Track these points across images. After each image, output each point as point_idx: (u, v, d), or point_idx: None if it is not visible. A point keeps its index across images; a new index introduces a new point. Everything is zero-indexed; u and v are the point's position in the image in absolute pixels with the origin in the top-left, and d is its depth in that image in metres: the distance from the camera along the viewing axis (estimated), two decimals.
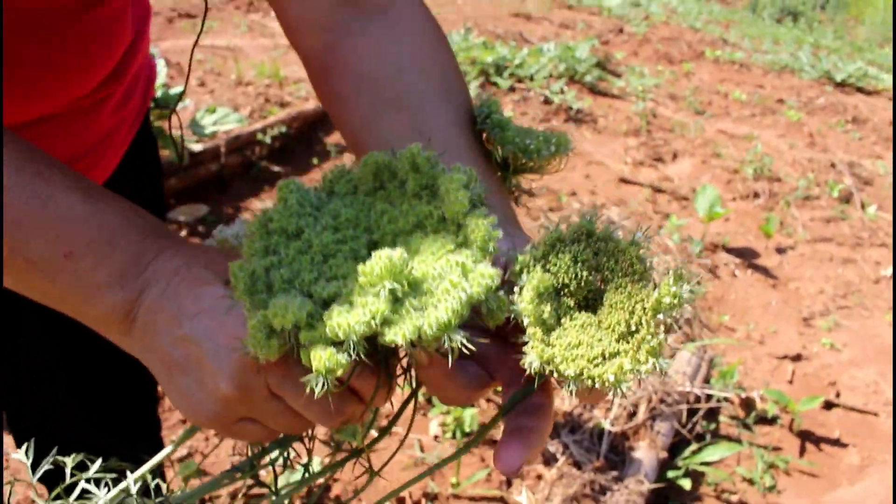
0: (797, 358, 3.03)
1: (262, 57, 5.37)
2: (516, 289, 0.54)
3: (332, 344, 0.49)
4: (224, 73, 4.92)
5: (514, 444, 0.56)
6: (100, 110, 0.94)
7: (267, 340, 0.50)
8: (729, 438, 2.51)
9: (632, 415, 2.35)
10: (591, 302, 0.56)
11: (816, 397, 2.60)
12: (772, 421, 2.64)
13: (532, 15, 8.13)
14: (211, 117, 3.44)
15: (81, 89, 0.87)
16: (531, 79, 5.41)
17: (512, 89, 5.28)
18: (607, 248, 0.55)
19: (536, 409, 0.58)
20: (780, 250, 3.86)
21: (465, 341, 0.48)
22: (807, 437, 2.60)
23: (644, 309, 0.52)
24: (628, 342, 0.52)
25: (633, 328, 0.52)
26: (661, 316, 0.52)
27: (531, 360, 0.52)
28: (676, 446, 2.40)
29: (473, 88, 5.08)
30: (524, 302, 0.52)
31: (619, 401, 2.36)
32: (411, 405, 0.65)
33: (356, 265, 0.52)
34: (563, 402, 2.36)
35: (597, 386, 0.51)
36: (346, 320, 0.48)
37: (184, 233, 3.24)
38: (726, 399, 2.63)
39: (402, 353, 0.57)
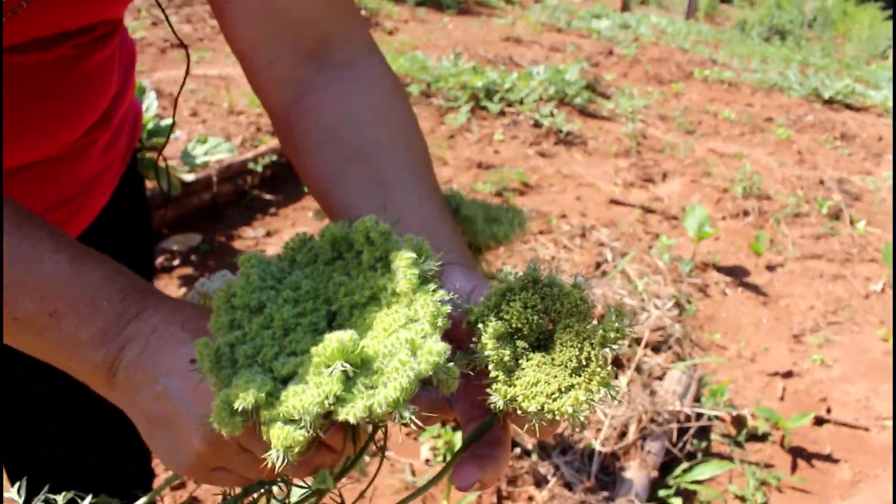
0: (788, 375, 3.05)
1: None
2: (474, 339, 0.59)
3: (291, 421, 0.52)
4: (216, 103, 4.97)
5: (471, 466, 0.61)
6: (87, 155, 0.97)
7: (230, 418, 0.53)
8: (720, 456, 2.52)
9: (622, 435, 2.36)
10: (543, 342, 0.61)
11: (807, 414, 2.62)
12: (763, 438, 2.65)
13: (522, 39, 8.22)
14: (202, 147, 3.48)
15: (71, 136, 0.90)
16: (521, 102, 5.46)
17: (502, 113, 5.33)
18: (552, 292, 0.61)
19: (496, 442, 0.63)
20: (771, 268, 3.89)
21: (413, 417, 0.51)
22: (798, 454, 2.61)
23: (591, 344, 0.58)
24: (580, 375, 0.58)
25: (584, 363, 0.58)
26: (606, 350, 0.59)
27: (496, 399, 0.58)
28: (667, 465, 2.41)
29: (464, 113, 5.13)
30: (486, 349, 0.58)
31: (609, 421, 2.37)
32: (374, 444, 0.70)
33: (314, 340, 0.56)
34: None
35: (556, 418, 0.56)
36: (301, 401, 0.51)
37: (177, 262, 3.26)
38: (717, 417, 2.64)
39: None
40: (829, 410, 2.85)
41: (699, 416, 2.60)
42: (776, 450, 2.61)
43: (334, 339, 0.52)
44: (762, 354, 3.16)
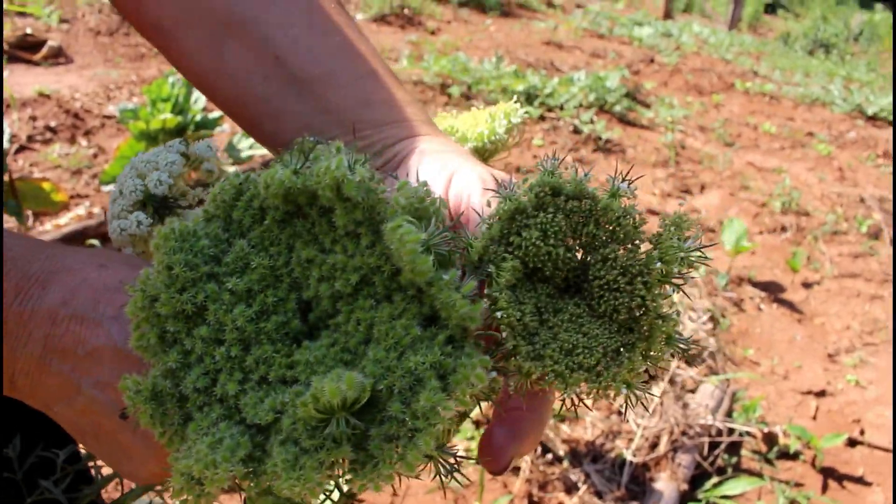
0: (821, 394, 3.03)
1: None
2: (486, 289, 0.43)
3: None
4: None
5: (502, 434, 0.47)
6: None
7: (199, 495, 0.39)
8: (750, 472, 2.52)
9: (654, 446, 2.38)
10: (575, 283, 0.44)
11: (840, 434, 2.61)
12: (794, 456, 2.64)
13: (563, 44, 8.21)
14: (247, 141, 3.54)
15: None
16: (561, 108, 5.47)
17: (542, 118, 5.34)
18: (581, 207, 0.43)
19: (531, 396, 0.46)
20: (807, 285, 3.87)
21: (455, 465, 0.39)
22: (830, 474, 2.60)
23: (645, 282, 0.41)
24: (633, 331, 0.42)
25: (637, 311, 0.42)
26: (668, 288, 0.42)
27: (519, 382, 0.42)
28: (697, 479, 2.42)
29: None
30: (500, 309, 0.42)
31: (641, 432, 2.38)
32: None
33: (290, 355, 0.42)
34: (586, 431, 2.40)
35: (605, 399, 0.42)
36: (301, 483, 0.37)
37: None
38: (748, 433, 2.64)
39: None
40: (862, 432, 2.83)
41: (730, 431, 2.60)
42: (807, 469, 2.60)
43: (331, 388, 0.36)
44: (795, 372, 3.15)
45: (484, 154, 0.75)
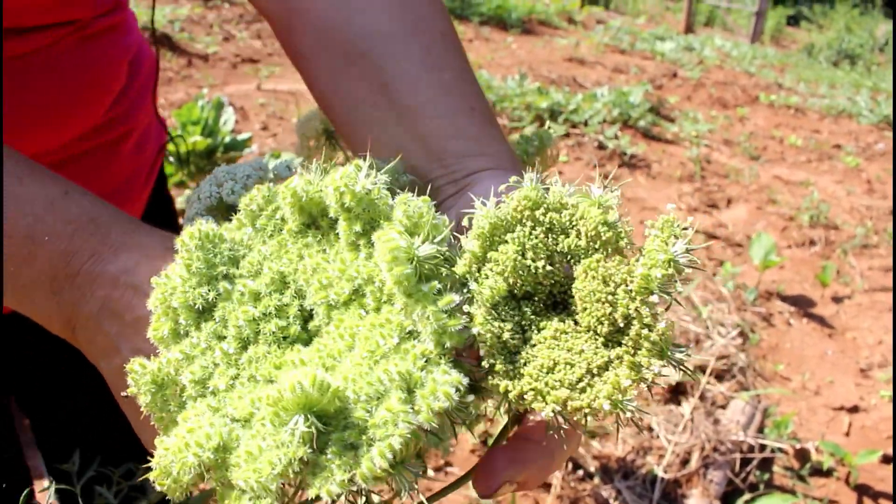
0: (854, 409, 3.00)
1: None
2: (466, 306, 0.42)
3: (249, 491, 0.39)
4: (286, 117, 5.11)
5: (500, 456, 0.46)
6: (117, 152, 0.94)
7: (173, 482, 0.40)
8: (782, 489, 2.49)
9: (685, 462, 2.36)
10: (561, 297, 0.43)
11: (875, 451, 2.57)
12: (827, 473, 2.62)
13: (585, 59, 8.24)
14: (275, 162, 3.59)
15: (87, 120, 0.87)
16: (585, 124, 5.49)
17: (567, 135, 5.36)
18: (562, 220, 0.42)
19: (533, 432, 0.47)
20: (837, 299, 3.83)
21: (413, 484, 0.38)
22: (864, 492, 2.56)
23: (629, 293, 0.39)
24: (620, 344, 0.40)
25: (622, 323, 0.40)
26: (654, 297, 0.39)
27: (500, 401, 0.41)
28: (729, 495, 2.40)
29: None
30: (477, 325, 0.41)
31: (672, 448, 2.37)
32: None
33: (280, 357, 0.43)
34: (616, 447, 2.39)
35: (590, 417, 0.39)
36: (255, 475, 0.38)
37: None
38: (780, 449, 2.62)
39: None
40: None
41: (762, 447, 2.58)
42: (841, 486, 2.57)
43: (291, 384, 0.37)
44: (827, 388, 3.12)
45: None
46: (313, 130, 0.77)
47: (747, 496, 2.38)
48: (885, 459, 2.73)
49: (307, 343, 0.45)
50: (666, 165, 5.23)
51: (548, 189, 0.43)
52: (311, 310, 0.45)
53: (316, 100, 0.69)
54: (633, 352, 0.39)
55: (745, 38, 12.38)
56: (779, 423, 2.67)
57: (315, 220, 0.47)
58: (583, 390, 0.38)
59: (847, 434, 2.85)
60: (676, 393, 2.67)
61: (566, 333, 0.40)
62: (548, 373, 0.39)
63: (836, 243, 4.39)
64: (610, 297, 0.39)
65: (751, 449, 2.54)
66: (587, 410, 0.38)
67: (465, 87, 0.63)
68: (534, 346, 0.40)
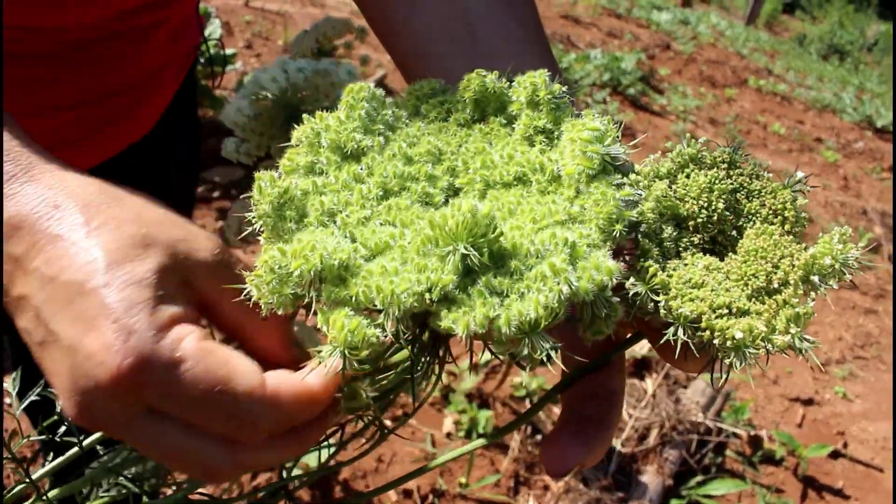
0: (809, 402, 3.03)
1: (309, 25, 5.36)
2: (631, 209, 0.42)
3: (364, 310, 0.37)
4: (272, 38, 4.92)
5: (569, 440, 0.45)
6: (153, 37, 0.92)
7: (279, 286, 0.38)
8: (733, 474, 2.51)
9: (643, 438, 2.36)
10: (718, 247, 0.44)
11: (826, 445, 2.60)
12: (777, 462, 2.64)
13: (580, 19, 8.09)
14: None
15: (121, 2, 0.83)
16: (576, 83, 5.39)
17: None
18: (752, 186, 0.44)
19: (606, 395, 0.46)
20: None
21: (552, 354, 0.36)
22: (810, 484, 2.60)
23: (793, 265, 0.41)
24: (764, 302, 0.40)
25: (775, 285, 0.41)
26: (814, 278, 0.40)
27: (636, 284, 0.40)
28: (682, 475, 2.41)
29: None
30: (643, 222, 0.42)
31: (632, 423, 2.36)
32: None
33: (425, 212, 0.41)
34: None
35: (715, 341, 0.39)
36: (391, 285, 0.36)
37: (217, 193, 3.25)
38: (735, 434, 2.63)
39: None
40: (845, 445, 2.84)
41: (719, 431, 2.59)
42: (788, 476, 2.60)
43: (463, 209, 0.36)
44: (786, 378, 3.14)
45: None
46: (308, 50, 0.78)
47: (700, 478, 2.39)
48: (833, 455, 2.76)
49: None
50: (650, 137, 5.18)
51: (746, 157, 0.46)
52: (460, 190, 0.44)
53: (373, 26, 0.69)
54: (775, 312, 0.39)
55: (741, 20, 12.29)
56: (737, 409, 2.68)
57: (485, 116, 0.47)
58: (719, 316, 0.39)
59: (800, 425, 2.88)
60: (641, 368, 2.65)
61: (717, 271, 0.41)
62: (692, 286, 0.40)
63: (808, 236, 4.40)
64: (773, 261, 0.41)
65: (707, 431, 2.55)
66: (716, 334, 0.38)
67: (543, 51, 0.64)
68: (685, 263, 0.41)
